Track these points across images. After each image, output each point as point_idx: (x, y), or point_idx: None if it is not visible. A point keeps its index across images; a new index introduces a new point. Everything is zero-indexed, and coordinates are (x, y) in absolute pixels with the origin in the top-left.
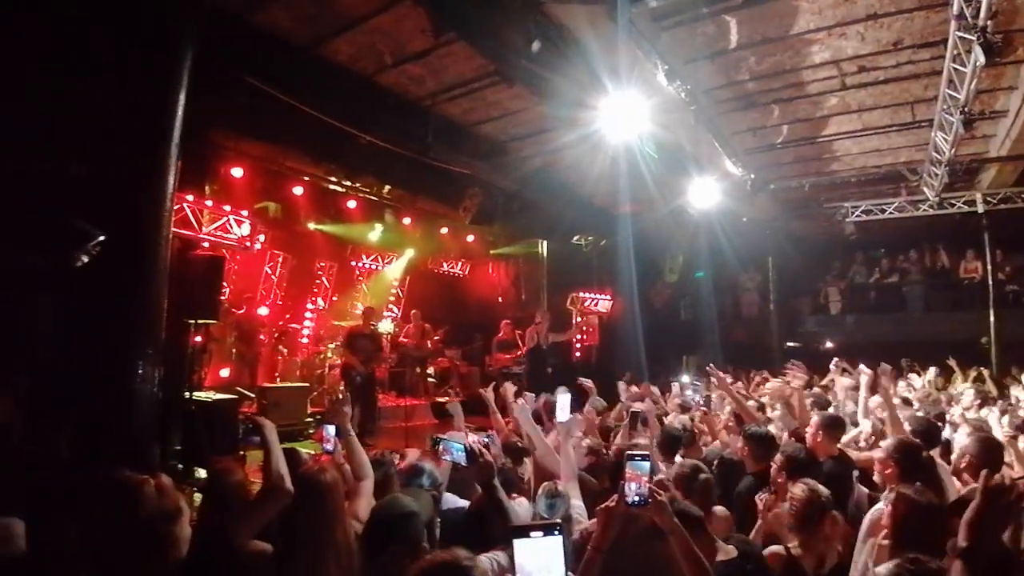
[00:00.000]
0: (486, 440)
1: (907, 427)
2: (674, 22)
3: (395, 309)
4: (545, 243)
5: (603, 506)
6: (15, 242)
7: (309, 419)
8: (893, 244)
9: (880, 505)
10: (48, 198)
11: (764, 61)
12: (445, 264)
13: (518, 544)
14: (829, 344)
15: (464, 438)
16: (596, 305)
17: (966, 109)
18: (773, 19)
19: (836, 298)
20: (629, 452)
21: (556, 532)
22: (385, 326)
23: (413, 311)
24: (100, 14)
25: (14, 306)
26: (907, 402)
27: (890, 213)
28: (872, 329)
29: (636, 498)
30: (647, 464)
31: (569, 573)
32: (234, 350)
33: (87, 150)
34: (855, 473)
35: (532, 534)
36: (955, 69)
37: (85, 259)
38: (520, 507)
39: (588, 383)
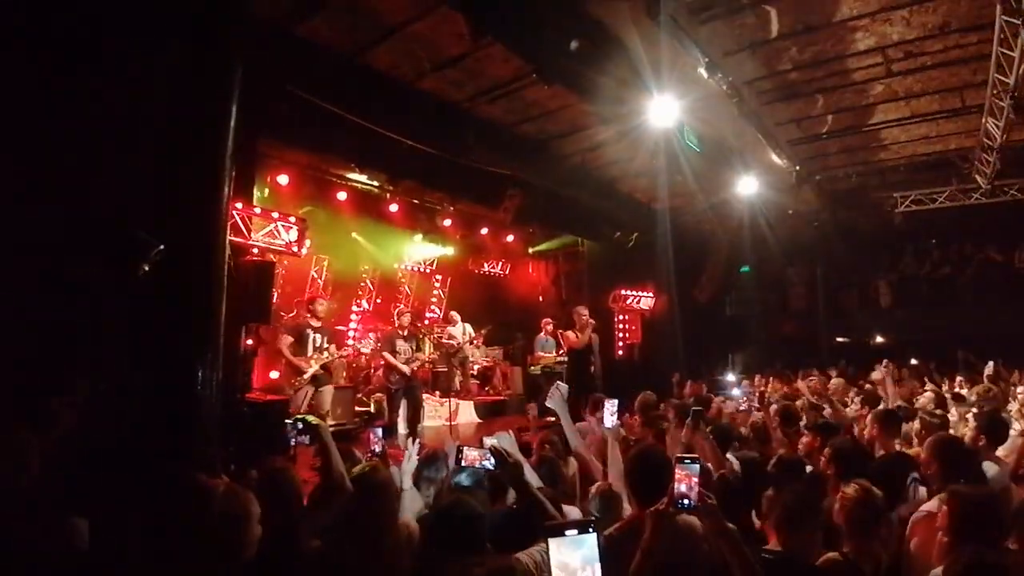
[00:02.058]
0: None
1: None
2: (713, 14)
3: (437, 310)
4: (585, 241)
5: (652, 509)
6: (80, 252)
7: (357, 419)
8: (945, 234)
9: (928, 505)
10: (111, 209)
11: (806, 50)
12: (486, 264)
13: (553, 543)
14: (879, 339)
15: (511, 439)
16: (638, 302)
17: (1015, 94)
18: (815, 7)
19: (886, 291)
20: (678, 455)
21: (591, 530)
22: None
23: (452, 312)
24: (158, 33)
25: (79, 314)
26: (959, 398)
27: (941, 202)
28: (924, 323)
29: (685, 501)
30: (696, 467)
31: None
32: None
33: (148, 163)
34: (914, 473)
35: (567, 532)
36: (1003, 53)
37: (147, 267)
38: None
39: None
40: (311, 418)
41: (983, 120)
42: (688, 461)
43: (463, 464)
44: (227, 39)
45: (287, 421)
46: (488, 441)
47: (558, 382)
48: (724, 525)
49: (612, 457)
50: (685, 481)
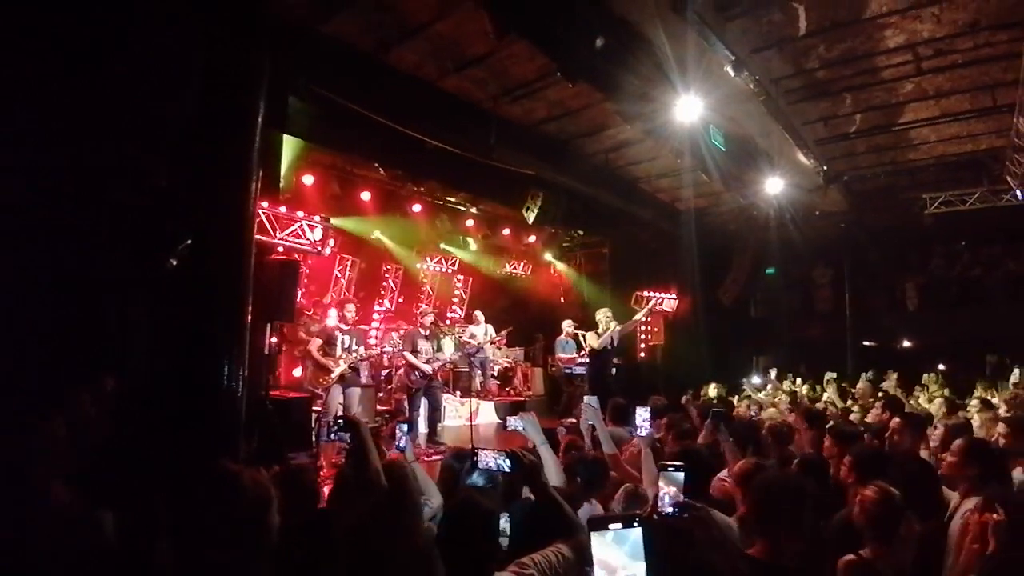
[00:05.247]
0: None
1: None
2: (740, 11)
3: (458, 310)
4: (608, 241)
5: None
6: (108, 247)
7: (378, 418)
8: (975, 236)
9: (965, 510)
10: (140, 205)
11: (835, 48)
12: (507, 265)
13: (596, 537)
14: (907, 343)
15: (533, 419)
16: (661, 304)
17: None
18: (843, 3)
19: (913, 294)
20: (663, 463)
21: (635, 524)
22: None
23: (476, 312)
24: (187, 29)
25: (106, 308)
26: (988, 404)
27: (971, 204)
28: (953, 326)
29: (671, 509)
30: (681, 475)
31: None
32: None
33: (176, 159)
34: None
35: (611, 526)
36: None
37: (173, 262)
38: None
39: None
40: (352, 415)
41: (1014, 120)
42: (672, 469)
43: (479, 466)
44: (255, 35)
45: (330, 420)
46: (512, 422)
47: (586, 398)
48: (714, 535)
49: (647, 466)
50: (670, 490)
